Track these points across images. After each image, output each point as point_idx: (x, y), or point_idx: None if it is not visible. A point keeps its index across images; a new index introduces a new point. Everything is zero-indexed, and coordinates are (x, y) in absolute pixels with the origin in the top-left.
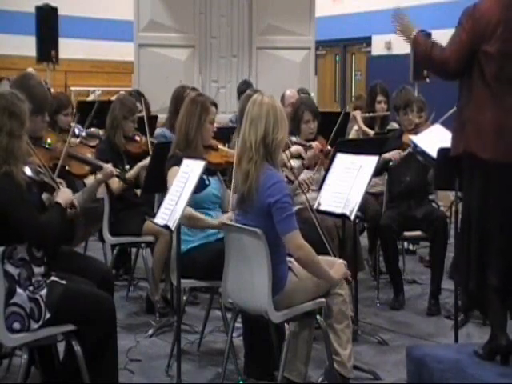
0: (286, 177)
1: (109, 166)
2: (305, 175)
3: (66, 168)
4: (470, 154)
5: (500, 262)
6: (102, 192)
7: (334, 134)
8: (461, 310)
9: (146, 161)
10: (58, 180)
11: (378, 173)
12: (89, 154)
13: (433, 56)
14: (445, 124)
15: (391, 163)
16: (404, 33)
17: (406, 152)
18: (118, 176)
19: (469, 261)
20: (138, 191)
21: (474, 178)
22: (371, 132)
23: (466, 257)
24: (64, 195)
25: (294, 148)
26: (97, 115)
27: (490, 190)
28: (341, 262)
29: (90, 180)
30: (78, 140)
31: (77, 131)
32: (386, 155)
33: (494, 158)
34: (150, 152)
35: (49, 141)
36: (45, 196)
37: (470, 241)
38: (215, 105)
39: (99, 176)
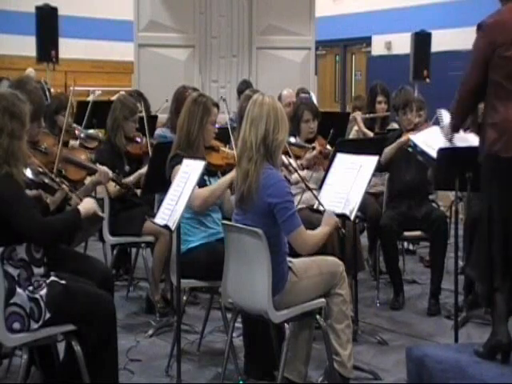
0: (285, 177)
1: (105, 169)
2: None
3: (63, 173)
4: (492, 156)
5: None
6: (102, 192)
7: (332, 135)
8: (467, 303)
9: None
10: (59, 180)
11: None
12: (85, 157)
13: (458, 98)
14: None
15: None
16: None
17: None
18: (113, 180)
19: (491, 256)
20: (138, 191)
21: (495, 178)
22: (371, 134)
23: (488, 253)
24: (87, 205)
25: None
26: (95, 115)
27: (510, 187)
28: (326, 212)
29: (87, 180)
30: (78, 142)
31: (77, 132)
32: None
33: None
34: (150, 154)
35: (45, 145)
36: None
37: (491, 239)
38: (217, 105)
39: (95, 178)
